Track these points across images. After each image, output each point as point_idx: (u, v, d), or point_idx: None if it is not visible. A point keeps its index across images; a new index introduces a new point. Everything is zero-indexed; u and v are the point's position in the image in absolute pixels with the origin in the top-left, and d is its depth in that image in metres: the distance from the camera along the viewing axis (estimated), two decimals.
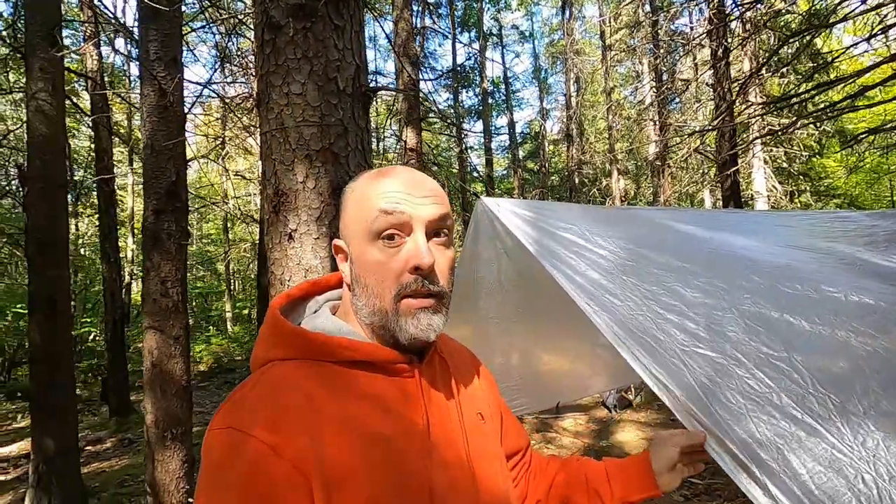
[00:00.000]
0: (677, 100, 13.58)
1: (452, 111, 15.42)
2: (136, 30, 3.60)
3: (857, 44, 4.83)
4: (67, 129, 5.43)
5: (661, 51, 12.31)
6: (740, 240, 1.52)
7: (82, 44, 8.25)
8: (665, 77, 12.39)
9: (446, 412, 0.66)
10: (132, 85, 13.96)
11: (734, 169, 6.90)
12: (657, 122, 12.96)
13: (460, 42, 15.59)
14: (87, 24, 7.65)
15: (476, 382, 0.78)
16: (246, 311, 16.84)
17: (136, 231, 15.07)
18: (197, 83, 3.69)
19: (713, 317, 1.14)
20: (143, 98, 3.05)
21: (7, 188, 11.54)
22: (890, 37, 5.61)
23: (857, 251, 1.54)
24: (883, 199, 13.56)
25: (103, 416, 7.82)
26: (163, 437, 2.87)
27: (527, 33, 19.61)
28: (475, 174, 17.82)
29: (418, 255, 0.60)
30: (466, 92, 16.89)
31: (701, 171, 13.25)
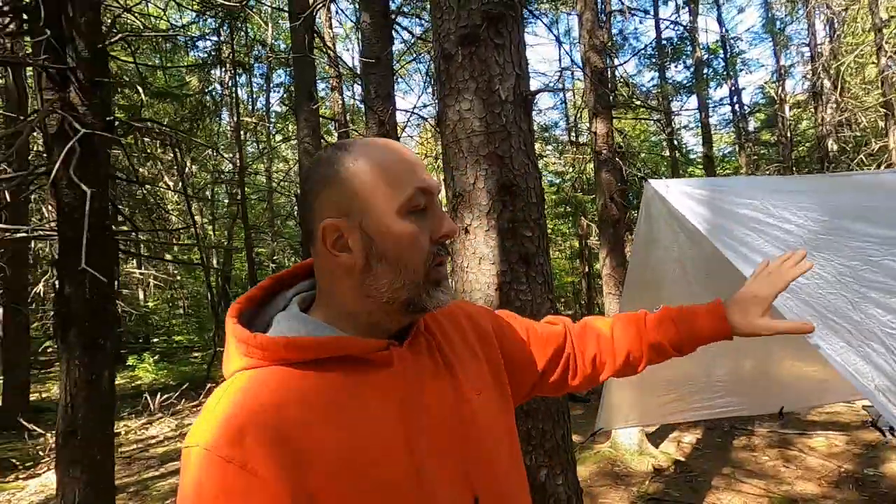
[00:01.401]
0: None
1: (658, 91, 14.09)
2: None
3: None
4: None
5: None
6: None
7: (330, 94, 10.48)
8: None
9: (432, 397, 0.63)
10: (366, 120, 16.88)
11: None
12: None
13: (663, 18, 14.17)
14: (334, 79, 9.66)
15: (467, 350, 0.73)
16: None
17: None
18: (406, 110, 4.40)
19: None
20: (368, 129, 3.81)
21: (291, 212, 15.26)
22: None
23: None
24: None
25: None
26: None
27: None
28: (691, 157, 15.89)
29: (449, 224, 0.63)
30: (675, 67, 15.19)
31: None
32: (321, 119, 6.74)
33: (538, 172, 1.71)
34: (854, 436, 4.70)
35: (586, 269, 14.47)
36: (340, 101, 9.71)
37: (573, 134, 14.92)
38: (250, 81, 14.18)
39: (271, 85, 14.85)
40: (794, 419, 5.19)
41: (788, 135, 15.64)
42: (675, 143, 13.93)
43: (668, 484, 4.06)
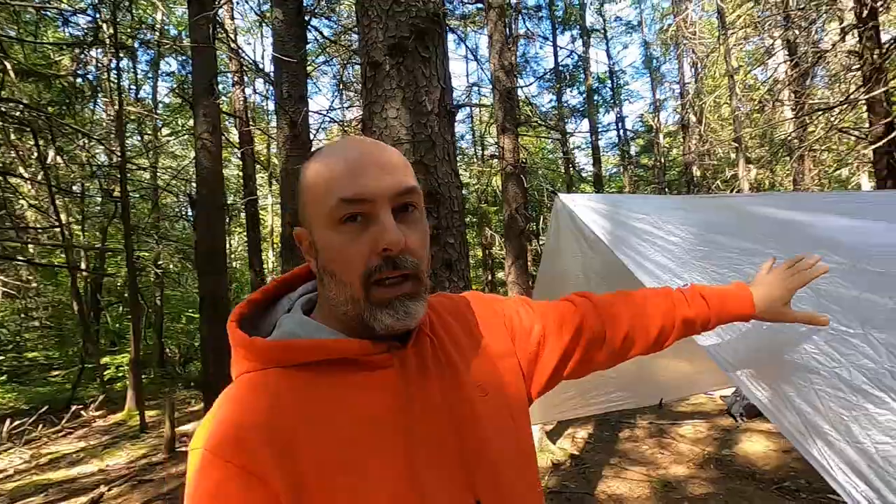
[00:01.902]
0: (818, 73, 11.93)
1: (556, 113, 15.23)
2: (272, 72, 4.31)
3: None
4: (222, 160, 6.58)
5: (795, 19, 10.94)
6: (834, 220, 1.46)
7: (231, 89, 9.84)
8: (801, 49, 10.97)
9: (433, 399, 0.62)
10: (269, 118, 16.09)
11: (887, 141, 5.95)
12: (793, 101, 11.50)
13: (560, 46, 15.38)
14: (235, 73, 9.10)
15: (475, 347, 0.71)
16: None
17: (275, 245, 17.23)
18: (319, 112, 4.31)
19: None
20: (279, 130, 3.67)
21: (181, 213, 13.98)
22: None
23: None
24: None
25: None
26: None
27: (634, 23, 18.66)
28: (583, 175, 17.35)
29: (387, 235, 0.56)
30: (570, 91, 16.56)
31: (853, 151, 11.46)
32: (221, 114, 6.32)
33: (459, 182, 1.79)
34: (714, 422, 5.44)
35: (489, 278, 15.09)
36: (242, 98, 9.17)
37: (479, 147, 15.55)
38: (135, 67, 12.82)
39: (159, 73, 13.57)
40: (668, 410, 5.88)
41: (662, 160, 17.74)
42: (570, 161, 15.11)
43: (565, 477, 4.37)
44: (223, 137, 6.48)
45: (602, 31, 17.44)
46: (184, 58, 10.52)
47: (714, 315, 0.90)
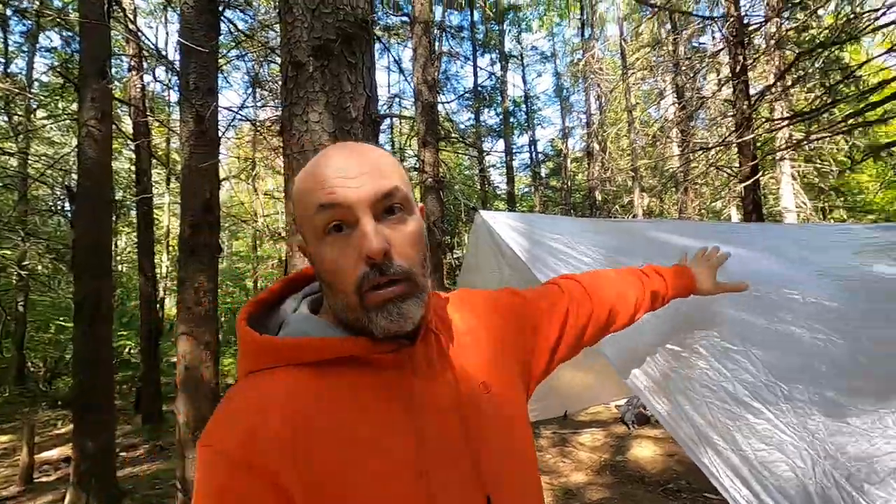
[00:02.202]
0: (701, 116, 13.54)
1: (474, 131, 15.72)
2: (177, 61, 3.96)
3: (881, 55, 4.85)
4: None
5: (683, 68, 12.36)
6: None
7: (127, 74, 8.89)
8: (687, 94, 12.40)
9: (441, 397, 0.62)
10: (170, 110, 14.81)
11: (753, 180, 6.88)
12: (679, 139, 12.94)
13: (480, 67, 15.98)
14: (133, 58, 8.25)
15: (478, 343, 0.72)
16: None
17: (170, 248, 15.77)
18: (230, 109, 4.03)
19: (677, 315, 1.27)
20: (183, 124, 3.36)
21: (55, 207, 12.30)
22: None
23: (838, 260, 1.63)
24: None
25: (136, 425, 8.18)
26: (193, 436, 3.08)
27: (548, 53, 19.91)
28: (497, 192, 18.02)
29: (367, 243, 0.55)
30: (488, 112, 17.21)
31: (727, 186, 13.11)
32: (114, 101, 5.67)
33: None
34: (609, 430, 5.83)
35: None
36: (140, 85, 8.33)
37: (399, 159, 15.55)
38: (5, 38, 11.19)
39: (37, 48, 11.94)
40: (571, 420, 6.20)
41: (569, 183, 19.00)
42: (486, 178, 15.64)
43: None
44: (115, 127, 5.82)
45: (519, 57, 18.39)
46: (70, 34, 9.36)
47: (671, 289, 1.04)
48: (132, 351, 12.32)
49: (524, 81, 18.60)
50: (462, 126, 15.40)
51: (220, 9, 4.17)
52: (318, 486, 0.52)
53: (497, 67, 16.90)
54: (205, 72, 3.46)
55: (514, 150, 17.79)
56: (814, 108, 5.87)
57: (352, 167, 0.58)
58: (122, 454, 6.32)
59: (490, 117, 17.67)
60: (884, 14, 3.95)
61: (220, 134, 3.57)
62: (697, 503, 3.73)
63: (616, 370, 1.26)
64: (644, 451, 5.07)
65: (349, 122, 1.61)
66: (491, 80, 16.43)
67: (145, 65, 8.80)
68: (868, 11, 4.39)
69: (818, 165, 11.48)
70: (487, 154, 16.25)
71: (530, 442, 0.72)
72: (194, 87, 3.38)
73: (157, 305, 10.55)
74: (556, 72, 19.86)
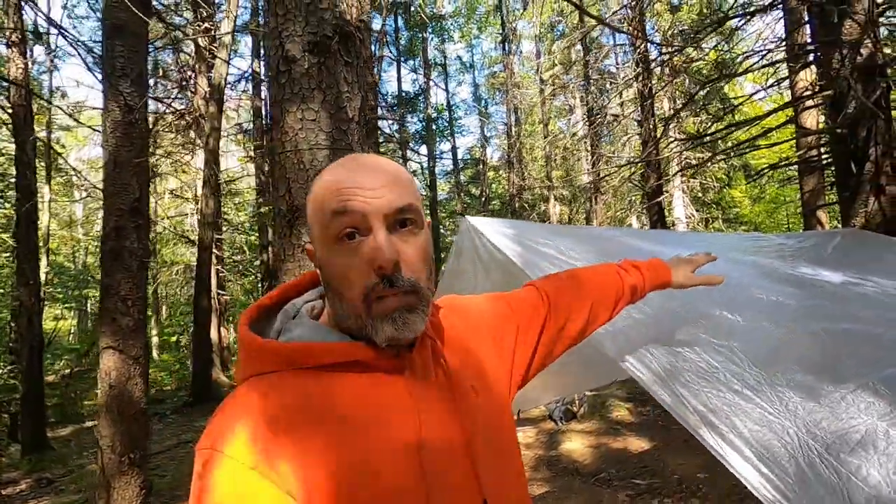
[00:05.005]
0: (608, 132, 14.72)
1: (398, 135, 15.71)
2: (90, 40, 3.53)
3: (757, 91, 5.64)
4: None
5: (592, 87, 13.40)
6: (674, 251, 1.83)
7: (5, 51, 7.68)
8: (596, 112, 13.43)
9: (440, 402, 0.64)
10: (52, 96, 13.05)
11: (660, 199, 7.65)
12: (590, 153, 13.97)
13: (405, 67, 16.04)
14: (12, 31, 7.16)
15: (463, 348, 0.74)
16: (174, 339, 15.67)
17: (51, 252, 13.86)
18: (159, 98, 3.66)
19: (665, 314, 1.40)
20: (107, 113, 3.01)
21: None
22: (783, 87, 6.58)
23: (772, 263, 1.90)
24: (781, 226, 15.32)
25: (13, 456, 7.07)
26: (120, 462, 2.75)
27: (468, 64, 20.52)
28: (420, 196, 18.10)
29: (378, 253, 0.56)
30: (411, 117, 17.31)
31: (629, 198, 14.36)
32: None
33: None
34: (540, 427, 6.11)
35: None
36: (23, 65, 7.26)
37: None
38: None
39: None
40: None
41: (487, 191, 19.66)
42: None
43: None
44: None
45: (442, 66, 18.73)
46: None
47: (648, 283, 1.05)
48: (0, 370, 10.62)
49: (446, 90, 18.97)
50: (386, 131, 15.32)
51: None
52: (322, 488, 0.53)
53: (420, 73, 17.07)
54: (133, 56, 3.12)
55: (437, 157, 18.05)
56: (705, 132, 6.69)
57: (371, 178, 0.59)
58: None
59: (413, 123, 17.78)
60: (747, 58, 4.62)
61: (149, 126, 3.23)
62: (629, 489, 4.04)
63: (620, 363, 1.36)
64: (574, 444, 5.38)
65: (346, 122, 1.57)
66: (414, 87, 16.57)
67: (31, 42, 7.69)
68: (741, 54, 5.10)
69: (702, 182, 13.03)
70: (411, 158, 16.32)
71: (517, 443, 0.75)
72: (121, 72, 3.04)
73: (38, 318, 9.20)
74: (475, 83, 20.52)
